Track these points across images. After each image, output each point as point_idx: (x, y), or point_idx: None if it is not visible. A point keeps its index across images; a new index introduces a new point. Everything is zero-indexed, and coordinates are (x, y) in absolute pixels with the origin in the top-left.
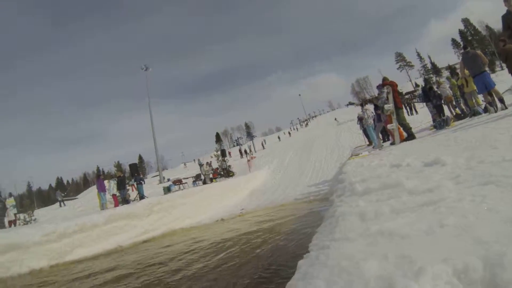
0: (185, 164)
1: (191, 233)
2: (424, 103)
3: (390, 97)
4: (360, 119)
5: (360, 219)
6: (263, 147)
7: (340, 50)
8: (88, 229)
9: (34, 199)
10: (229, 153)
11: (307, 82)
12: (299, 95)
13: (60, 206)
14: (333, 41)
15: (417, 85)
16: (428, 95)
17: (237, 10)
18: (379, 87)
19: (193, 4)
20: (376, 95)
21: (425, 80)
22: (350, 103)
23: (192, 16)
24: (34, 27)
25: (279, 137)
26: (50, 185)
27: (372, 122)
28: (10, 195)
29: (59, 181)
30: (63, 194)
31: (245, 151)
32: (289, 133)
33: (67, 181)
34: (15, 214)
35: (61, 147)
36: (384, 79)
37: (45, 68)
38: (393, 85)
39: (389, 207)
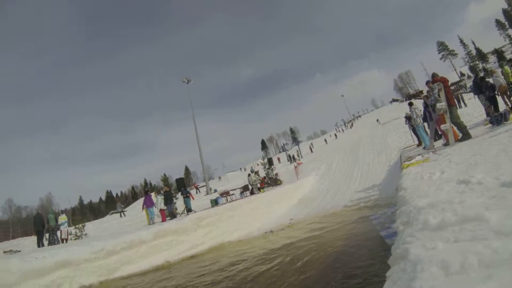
0: (219, 178)
1: (238, 247)
2: (476, 95)
3: (442, 94)
4: (408, 119)
5: (444, 272)
6: (311, 150)
7: (379, 46)
8: (136, 246)
9: (87, 212)
10: (278, 159)
11: (348, 82)
12: (342, 95)
13: (121, 216)
14: (370, 37)
15: (462, 74)
16: (480, 86)
17: (273, 13)
18: (429, 83)
19: (231, 10)
20: (421, 90)
21: (473, 70)
22: (394, 100)
23: (230, 23)
24: (85, 37)
25: (325, 140)
26: (100, 198)
27: (421, 121)
28: (62, 212)
29: (109, 194)
30: (122, 206)
31: (293, 157)
32: (335, 135)
33: (116, 194)
34: (66, 231)
35: (108, 160)
36: (434, 75)
37: (92, 79)
38: (445, 81)
39: (477, 256)
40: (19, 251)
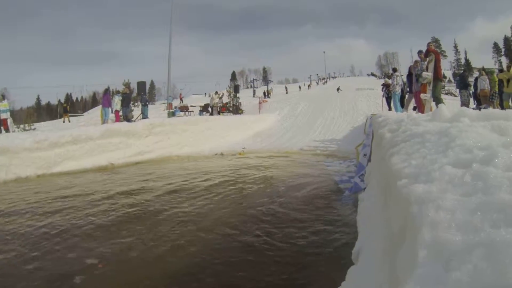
0: (181, 99)
1: (185, 162)
2: (458, 90)
3: (431, 65)
4: (387, 86)
5: None
6: (286, 92)
7: (377, 19)
8: (81, 142)
9: (43, 114)
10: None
11: (334, 42)
12: (324, 52)
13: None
14: (374, 9)
15: (444, 76)
16: (466, 82)
17: None
18: (420, 53)
19: None
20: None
21: (456, 75)
22: (372, 74)
23: None
24: None
25: (300, 87)
26: (59, 101)
27: (399, 90)
28: (3, 97)
29: (69, 97)
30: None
31: (265, 93)
32: (308, 86)
33: (77, 98)
34: (6, 120)
35: (74, 64)
36: (429, 45)
37: None
38: (437, 54)
39: None
40: None
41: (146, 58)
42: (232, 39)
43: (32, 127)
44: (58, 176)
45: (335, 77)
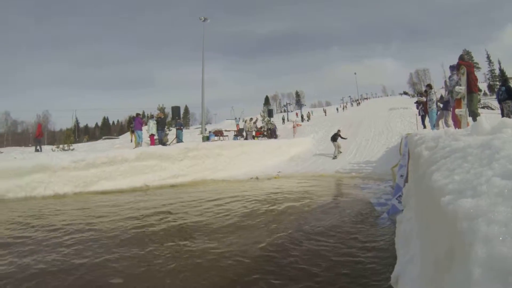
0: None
1: (220, 185)
2: (500, 102)
3: (464, 78)
4: (421, 104)
5: None
6: (325, 114)
7: (404, 36)
8: (117, 163)
9: (81, 135)
10: (296, 114)
11: (363, 62)
12: (355, 73)
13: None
14: (400, 25)
15: (479, 89)
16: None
17: None
18: (452, 68)
19: None
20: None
21: (491, 88)
22: (405, 93)
23: None
24: None
25: (337, 109)
26: (96, 124)
27: (435, 107)
28: None
29: (105, 121)
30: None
31: (303, 116)
32: (343, 108)
33: (113, 122)
34: None
35: (109, 88)
36: (461, 57)
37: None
38: (470, 66)
39: None
40: (1, 152)
41: (180, 83)
42: (263, 64)
43: (71, 147)
44: (94, 194)
45: (367, 98)
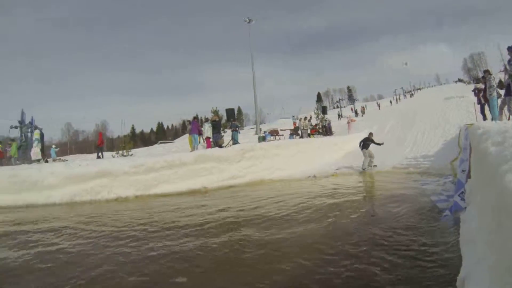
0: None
1: (278, 184)
2: None
3: None
4: (479, 91)
5: None
6: (379, 107)
7: (455, 17)
8: (176, 166)
9: (137, 141)
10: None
11: (414, 51)
12: (406, 63)
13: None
14: (449, 4)
15: None
16: None
17: None
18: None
19: None
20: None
21: None
22: (460, 80)
23: None
24: None
25: (391, 102)
26: (151, 129)
27: (496, 95)
28: (36, 127)
29: (160, 126)
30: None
31: (356, 111)
32: (397, 100)
33: (167, 126)
34: (41, 149)
35: (163, 94)
36: None
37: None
38: None
39: None
40: (66, 160)
41: (231, 84)
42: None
43: (130, 153)
44: (155, 197)
45: (420, 89)
